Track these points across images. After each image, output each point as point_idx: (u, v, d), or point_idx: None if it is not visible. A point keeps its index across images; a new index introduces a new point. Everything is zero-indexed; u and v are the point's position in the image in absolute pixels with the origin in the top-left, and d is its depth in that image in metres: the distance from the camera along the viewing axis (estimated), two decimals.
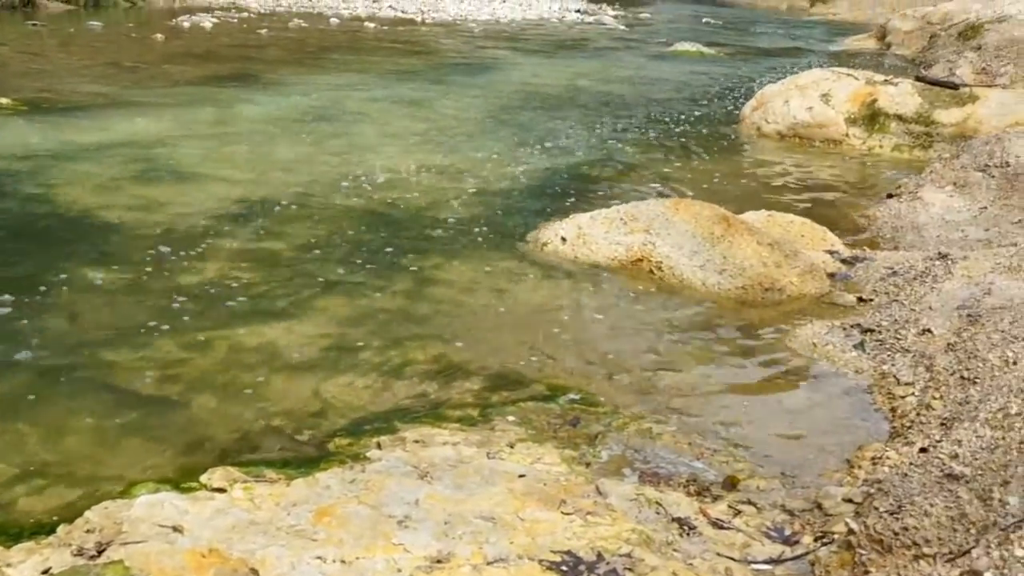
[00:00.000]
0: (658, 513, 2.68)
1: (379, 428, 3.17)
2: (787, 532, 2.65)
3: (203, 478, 2.75)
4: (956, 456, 2.74)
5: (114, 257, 4.66)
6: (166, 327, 3.90)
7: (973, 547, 2.23)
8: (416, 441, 3.04)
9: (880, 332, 4.06)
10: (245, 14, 16.92)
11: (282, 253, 4.87)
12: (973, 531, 2.33)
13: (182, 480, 2.77)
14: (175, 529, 2.44)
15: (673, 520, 2.65)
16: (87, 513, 2.54)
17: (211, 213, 5.41)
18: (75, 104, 8.27)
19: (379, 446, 3.01)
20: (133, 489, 2.71)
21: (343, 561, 2.34)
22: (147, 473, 2.86)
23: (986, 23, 12.88)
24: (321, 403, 3.37)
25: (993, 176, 6.14)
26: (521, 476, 2.82)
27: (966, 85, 9.04)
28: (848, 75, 8.87)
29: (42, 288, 4.21)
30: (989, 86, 9.39)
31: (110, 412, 3.24)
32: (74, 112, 7.88)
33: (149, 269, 4.52)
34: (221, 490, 2.67)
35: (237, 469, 2.82)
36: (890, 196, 6.47)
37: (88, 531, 2.46)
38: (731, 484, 2.90)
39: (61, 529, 2.50)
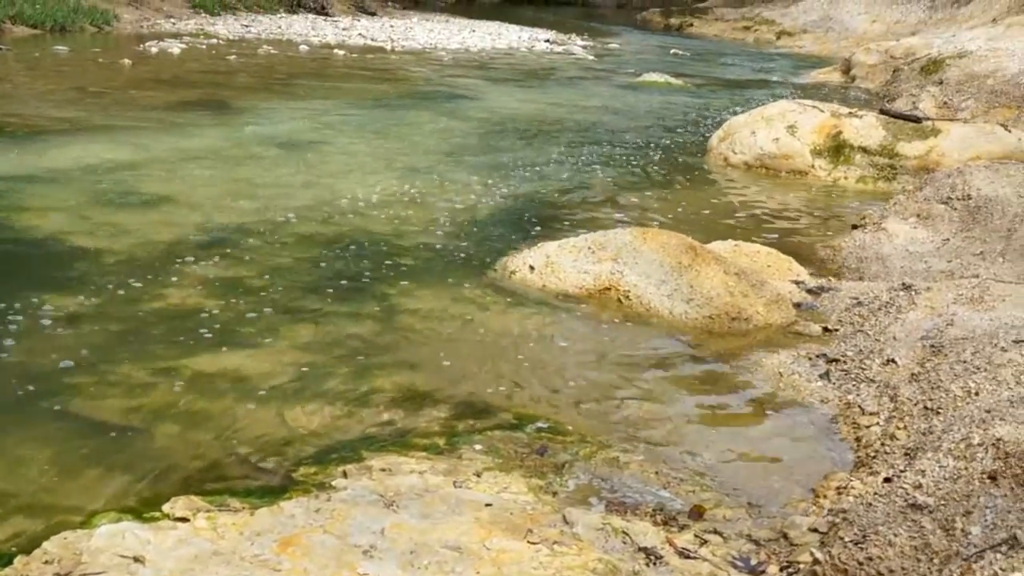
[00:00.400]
0: (624, 543, 2.68)
1: (345, 456, 3.15)
2: (753, 562, 2.65)
3: (166, 507, 2.71)
4: (920, 486, 2.76)
5: (78, 283, 4.61)
6: (130, 354, 3.86)
7: None
8: (382, 469, 3.02)
9: (845, 362, 4.09)
10: (214, 40, 16.89)
11: (249, 280, 4.84)
12: (936, 561, 2.34)
13: (144, 510, 2.74)
14: (136, 560, 2.40)
15: (640, 550, 2.64)
16: (45, 544, 2.50)
17: (177, 240, 5.37)
18: (40, 129, 8.21)
19: (345, 475, 2.99)
20: (93, 519, 2.67)
21: None
22: (108, 503, 2.82)
23: (947, 58, 13.10)
24: (287, 431, 3.34)
25: (955, 208, 6.22)
26: (488, 505, 2.81)
27: (929, 119, 9.18)
28: (813, 107, 8.98)
29: (2, 314, 4.15)
30: (951, 120, 9.54)
31: (71, 440, 3.19)
32: (39, 137, 7.82)
33: (113, 295, 4.48)
34: (184, 519, 2.64)
35: (200, 498, 2.79)
36: (855, 227, 6.54)
37: (46, 562, 2.42)
38: (697, 513, 2.91)
39: (18, 560, 2.45)
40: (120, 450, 3.15)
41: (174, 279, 4.75)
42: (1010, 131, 8.62)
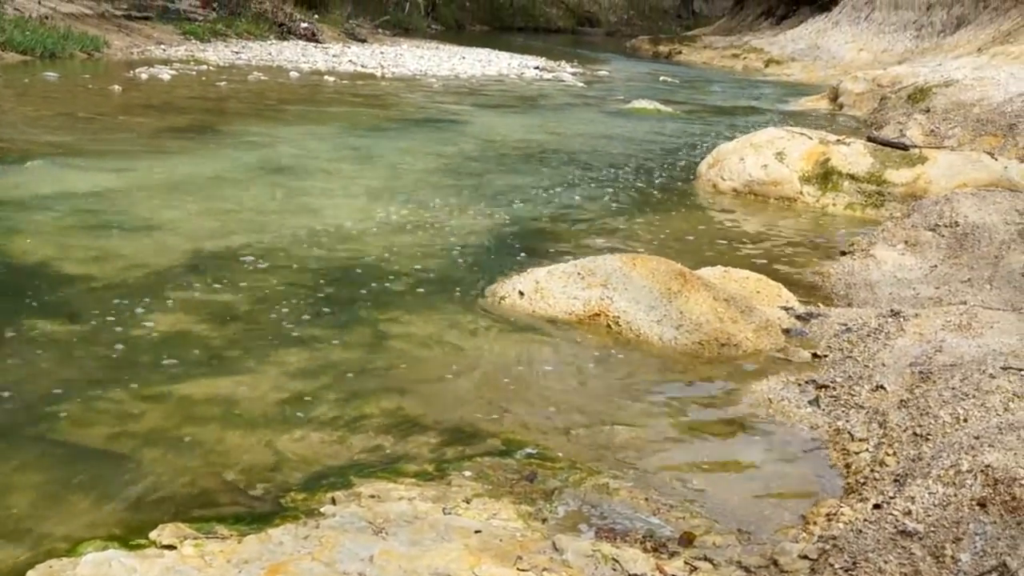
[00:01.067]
0: (614, 569, 2.67)
1: (334, 483, 3.13)
2: None
3: (152, 535, 2.69)
4: (909, 513, 2.76)
5: (67, 309, 4.59)
6: (118, 380, 3.84)
7: None
8: (371, 496, 3.01)
9: (834, 388, 4.09)
10: (204, 67, 16.93)
11: (238, 306, 4.83)
12: None
13: (131, 537, 2.72)
14: None
15: None
16: (30, 573, 2.48)
17: (166, 265, 5.36)
18: (29, 154, 8.19)
19: (334, 501, 2.98)
20: (80, 547, 2.65)
21: None
22: (95, 530, 2.79)
23: (934, 87, 13.21)
24: (275, 457, 3.33)
25: (943, 236, 6.25)
26: (477, 532, 2.80)
27: (916, 146, 9.24)
28: (802, 134, 9.04)
29: None
30: (938, 148, 9.61)
31: (58, 467, 3.17)
32: (28, 162, 7.81)
33: (102, 321, 4.46)
34: (171, 547, 2.62)
35: (188, 525, 2.77)
36: (843, 253, 6.57)
37: None
38: (687, 540, 2.90)
39: None
40: (107, 477, 3.13)
41: (163, 305, 4.74)
42: (996, 159, 8.68)
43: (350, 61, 20.65)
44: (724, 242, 7.00)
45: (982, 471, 2.79)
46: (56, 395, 3.68)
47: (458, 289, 5.33)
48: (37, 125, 9.94)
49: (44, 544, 2.71)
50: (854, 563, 2.49)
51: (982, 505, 2.65)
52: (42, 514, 2.89)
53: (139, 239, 5.87)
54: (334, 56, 21.63)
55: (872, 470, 3.31)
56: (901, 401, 3.73)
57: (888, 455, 3.36)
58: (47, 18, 18.18)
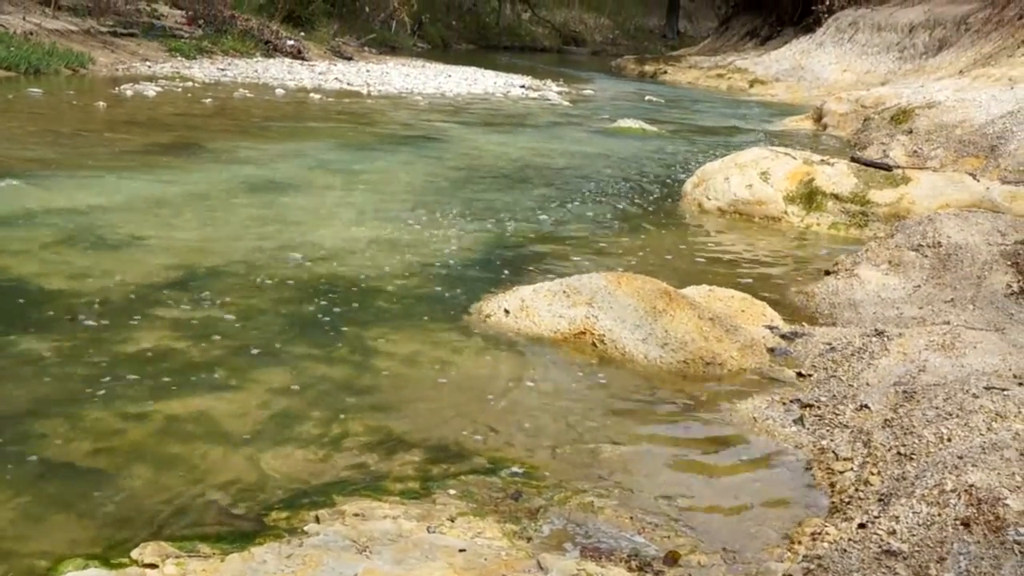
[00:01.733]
0: None
1: (318, 501, 3.12)
2: None
3: (134, 553, 2.67)
4: (894, 532, 2.76)
5: (48, 325, 4.57)
6: (99, 397, 3.81)
7: None
8: (355, 514, 2.99)
9: (819, 407, 4.10)
10: (189, 83, 16.92)
11: (221, 323, 4.81)
12: None
13: (112, 555, 2.69)
14: None
15: None
16: None
17: (149, 282, 5.34)
18: (12, 170, 8.15)
19: (317, 519, 2.96)
20: (60, 565, 2.63)
21: None
22: (75, 548, 2.77)
23: (917, 108, 13.32)
24: (258, 475, 3.31)
25: (926, 256, 6.29)
26: (461, 551, 2.79)
27: (899, 167, 9.30)
28: (786, 154, 9.08)
29: None
30: (921, 168, 9.67)
31: (37, 485, 3.14)
32: (10, 178, 7.77)
33: (84, 337, 4.44)
34: (152, 566, 2.60)
35: (170, 544, 2.75)
36: (827, 273, 6.59)
37: None
38: (672, 559, 2.89)
39: None
40: (88, 494, 3.11)
41: (146, 321, 4.72)
42: (978, 180, 8.75)
43: (336, 79, 20.67)
44: (709, 261, 7.02)
45: (966, 491, 2.80)
46: (37, 412, 3.65)
47: (443, 307, 5.33)
48: (21, 141, 9.90)
49: (24, 562, 2.68)
50: None
51: (966, 525, 2.66)
52: (22, 532, 2.86)
53: (122, 255, 5.85)
54: (320, 73, 21.64)
55: (856, 489, 3.31)
56: (885, 420, 3.74)
57: (872, 474, 3.36)
58: (32, 34, 18.13)
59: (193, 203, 7.49)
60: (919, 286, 6.00)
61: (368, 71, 23.86)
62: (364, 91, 18.70)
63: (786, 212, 8.49)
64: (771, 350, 4.89)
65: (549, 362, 4.62)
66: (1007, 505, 2.71)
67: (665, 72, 33.01)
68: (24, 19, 18.86)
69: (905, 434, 3.53)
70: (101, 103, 13.32)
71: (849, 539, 2.85)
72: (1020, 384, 3.77)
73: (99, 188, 7.68)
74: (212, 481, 3.24)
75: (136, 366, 4.16)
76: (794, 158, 8.95)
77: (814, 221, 8.39)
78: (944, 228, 6.51)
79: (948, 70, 20.12)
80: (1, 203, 6.87)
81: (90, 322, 4.63)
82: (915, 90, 15.99)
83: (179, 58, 21.39)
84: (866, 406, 3.94)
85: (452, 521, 3.00)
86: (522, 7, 54.50)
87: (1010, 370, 4.00)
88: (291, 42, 26.43)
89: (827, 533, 3.00)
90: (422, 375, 4.36)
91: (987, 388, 3.69)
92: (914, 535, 2.70)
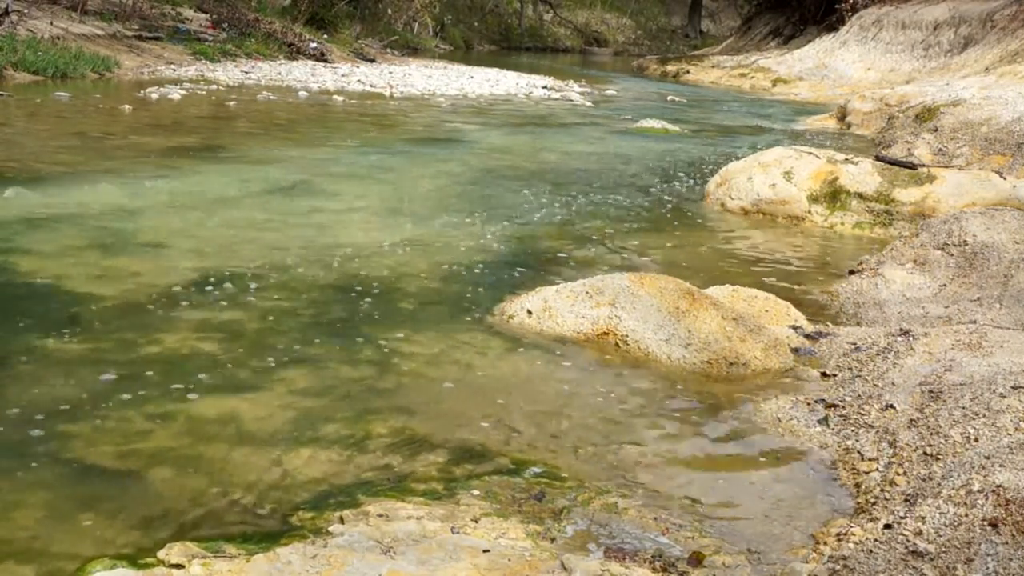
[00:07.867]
0: None
1: (342, 502, 3.13)
2: None
3: (161, 554, 2.69)
4: (920, 533, 2.74)
5: (75, 327, 4.61)
6: (125, 398, 3.84)
7: None
8: (380, 515, 3.00)
9: (844, 407, 4.08)
10: (214, 86, 17.02)
11: (246, 324, 4.84)
12: None
13: (139, 556, 2.71)
14: None
15: None
16: None
17: (174, 283, 5.38)
18: (40, 174, 8.24)
19: (342, 520, 2.97)
20: (88, 566, 2.65)
21: None
22: (102, 549, 2.79)
23: (941, 106, 13.21)
24: (283, 476, 3.33)
25: (952, 255, 6.24)
26: (485, 551, 2.79)
27: (924, 165, 9.24)
28: (810, 153, 9.04)
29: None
30: (946, 167, 9.60)
31: (65, 486, 3.17)
32: (39, 181, 7.85)
33: (110, 339, 4.48)
34: (179, 566, 2.62)
35: (196, 544, 2.77)
36: (852, 272, 6.56)
37: None
38: (697, 560, 2.88)
39: None
40: (115, 495, 3.13)
41: (170, 322, 4.75)
42: (1005, 178, 8.67)
43: (359, 81, 20.73)
44: (732, 261, 6.99)
45: (993, 491, 2.78)
46: (64, 413, 3.68)
47: (466, 308, 5.34)
48: (48, 145, 9.99)
49: (52, 563, 2.71)
50: None
51: (993, 525, 2.64)
52: (50, 533, 2.89)
53: (148, 257, 5.89)
54: (343, 76, 21.72)
55: (882, 489, 3.29)
56: (911, 420, 3.72)
57: (898, 475, 3.34)
58: (59, 39, 18.29)
59: (217, 205, 7.54)
60: (945, 285, 5.96)
61: (390, 73, 23.93)
62: (387, 93, 18.75)
63: (810, 211, 8.45)
64: (795, 350, 4.87)
65: (571, 363, 4.62)
66: None
67: (687, 72, 32.93)
68: (52, 24, 19.02)
69: (931, 434, 3.51)
70: (127, 106, 13.42)
71: (875, 540, 2.84)
72: None
73: (124, 190, 7.74)
74: (237, 481, 3.26)
75: (161, 367, 4.19)
76: (818, 157, 8.91)
77: (838, 220, 8.35)
78: (970, 226, 6.46)
79: (973, 68, 19.96)
80: (28, 205, 6.94)
81: (115, 323, 4.66)
82: (940, 88, 15.87)
83: (203, 61, 21.52)
84: (891, 406, 3.91)
85: (476, 522, 3.00)
86: (544, 8, 54.55)
87: None
88: (314, 44, 26.54)
89: (853, 534, 2.98)
90: (445, 376, 4.37)
91: (1015, 387, 3.65)
92: (941, 536, 2.68)
